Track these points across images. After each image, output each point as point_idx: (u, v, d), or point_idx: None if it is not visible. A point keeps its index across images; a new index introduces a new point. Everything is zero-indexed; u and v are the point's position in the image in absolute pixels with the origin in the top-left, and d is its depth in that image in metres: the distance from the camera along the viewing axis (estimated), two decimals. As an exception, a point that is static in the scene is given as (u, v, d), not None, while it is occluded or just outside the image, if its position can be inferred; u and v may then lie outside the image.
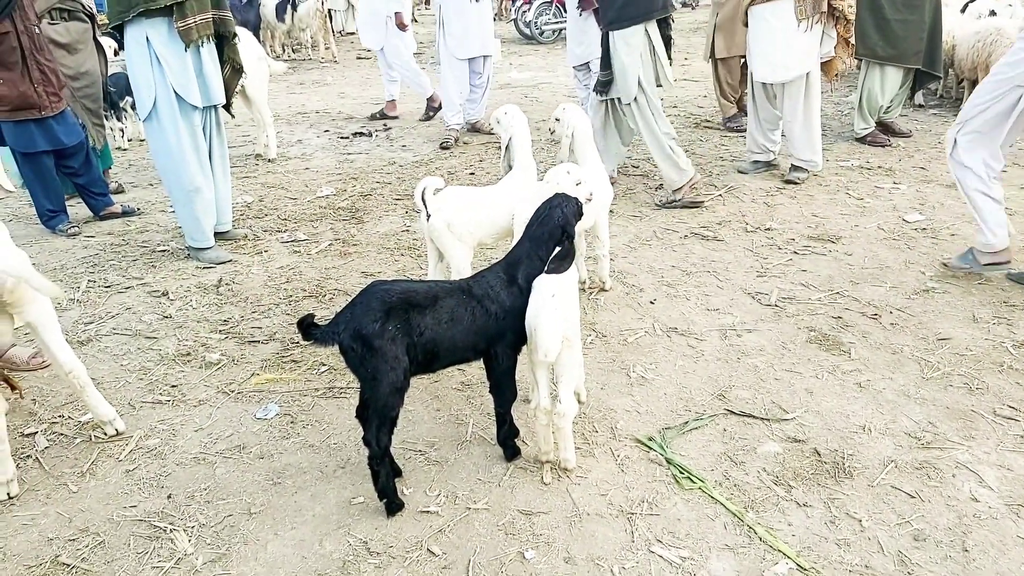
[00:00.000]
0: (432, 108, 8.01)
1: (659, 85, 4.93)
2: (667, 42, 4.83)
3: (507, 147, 3.57)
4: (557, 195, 2.62)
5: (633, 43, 4.68)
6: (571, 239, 2.52)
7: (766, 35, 5.08)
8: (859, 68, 6.33)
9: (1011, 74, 3.47)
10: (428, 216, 3.25)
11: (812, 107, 5.22)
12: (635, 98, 4.82)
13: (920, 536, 2.26)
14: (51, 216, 5.08)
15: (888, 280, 3.89)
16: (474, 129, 7.38)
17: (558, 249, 2.51)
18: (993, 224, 3.68)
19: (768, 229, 4.63)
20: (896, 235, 4.45)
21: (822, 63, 5.24)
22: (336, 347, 2.26)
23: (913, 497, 2.41)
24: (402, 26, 7.45)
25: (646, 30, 4.70)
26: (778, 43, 5.02)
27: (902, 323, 3.46)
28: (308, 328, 2.24)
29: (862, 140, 6.33)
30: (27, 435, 2.91)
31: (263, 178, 6.23)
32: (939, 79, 6.84)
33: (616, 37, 4.71)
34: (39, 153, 4.82)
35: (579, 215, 2.61)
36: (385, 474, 2.35)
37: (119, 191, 5.95)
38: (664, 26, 4.80)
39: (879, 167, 5.71)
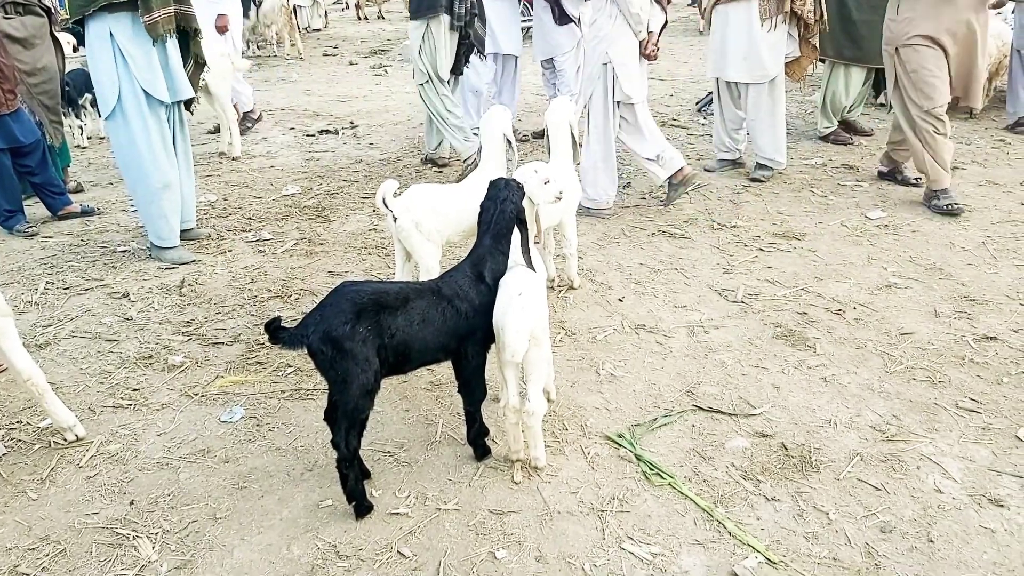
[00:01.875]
0: (250, 120, 7.59)
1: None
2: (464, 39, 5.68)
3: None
4: (500, 186, 2.55)
5: (414, 34, 5.60)
6: (524, 225, 2.50)
7: (736, 35, 5.11)
8: (823, 68, 6.42)
9: None
10: (395, 218, 3.23)
11: (777, 106, 5.28)
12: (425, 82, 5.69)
13: (886, 528, 2.29)
14: (8, 216, 4.95)
15: (852, 276, 3.95)
16: None
17: (516, 239, 2.50)
18: None
19: (734, 227, 4.67)
20: (859, 232, 4.52)
21: (787, 63, 5.30)
22: (304, 349, 2.23)
23: (879, 489, 2.45)
24: (222, 30, 6.95)
25: (428, 24, 5.49)
26: (752, 43, 5.06)
27: (866, 318, 3.51)
28: (276, 330, 2.20)
29: (825, 139, 6.42)
30: (-17, 442, 2.83)
31: (227, 176, 6.14)
32: None
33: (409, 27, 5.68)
34: None
35: (523, 197, 2.56)
36: (354, 477, 2.32)
37: (78, 190, 5.82)
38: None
39: (842, 165, 5.80)
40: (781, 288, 3.85)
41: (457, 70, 5.86)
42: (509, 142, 3.59)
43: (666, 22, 4.71)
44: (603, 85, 4.62)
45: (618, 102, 4.66)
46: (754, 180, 5.47)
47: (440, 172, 6.02)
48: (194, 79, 4.43)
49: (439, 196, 3.39)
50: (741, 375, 3.11)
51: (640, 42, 4.58)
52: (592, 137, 4.78)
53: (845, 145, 6.29)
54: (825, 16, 5.20)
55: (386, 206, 3.18)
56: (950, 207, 4.65)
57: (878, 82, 6.52)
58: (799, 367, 3.15)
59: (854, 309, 3.60)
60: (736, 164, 5.76)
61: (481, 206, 2.57)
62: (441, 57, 5.57)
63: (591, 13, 4.77)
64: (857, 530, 2.29)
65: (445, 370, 3.09)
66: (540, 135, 5.63)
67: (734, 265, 4.13)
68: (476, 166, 4.94)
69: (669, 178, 4.80)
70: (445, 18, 5.47)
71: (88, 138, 7.30)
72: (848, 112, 6.46)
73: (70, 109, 6.78)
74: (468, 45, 5.77)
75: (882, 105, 7.53)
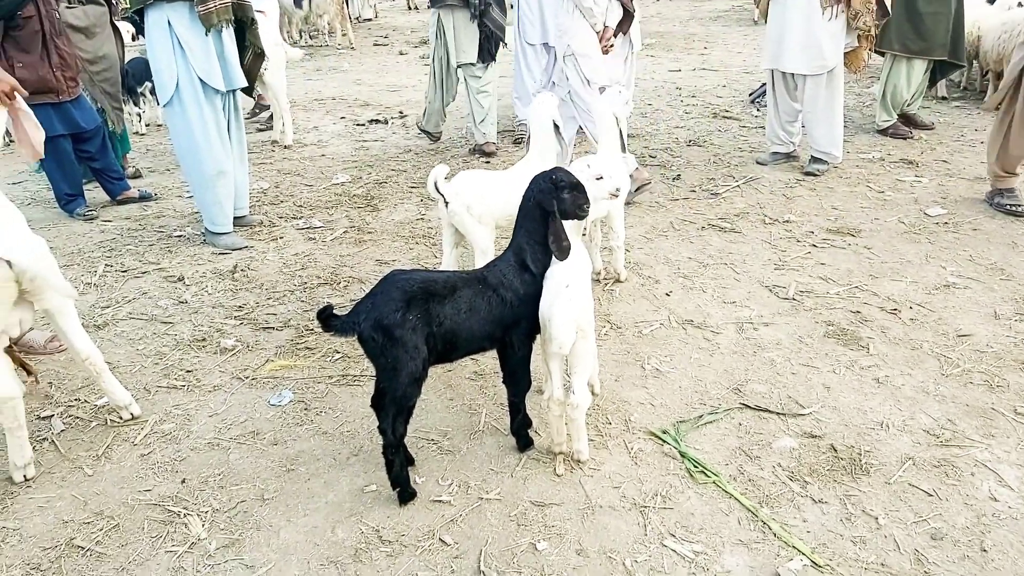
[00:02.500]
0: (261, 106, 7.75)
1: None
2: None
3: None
4: (537, 178, 2.51)
5: (431, 24, 5.95)
6: (552, 216, 2.43)
7: (795, 25, 5.00)
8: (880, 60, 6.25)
9: None
10: (447, 203, 3.25)
11: (835, 99, 5.16)
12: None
13: (937, 535, 2.23)
14: (69, 200, 5.11)
15: (908, 275, 3.84)
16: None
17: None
18: None
19: (787, 221, 4.58)
20: (917, 229, 4.39)
21: (844, 54, 5.17)
22: (355, 336, 2.26)
23: (931, 495, 2.38)
24: None
25: (439, 15, 5.91)
26: (812, 32, 4.95)
27: (922, 318, 3.42)
28: (328, 318, 2.23)
29: (884, 132, 6.25)
30: (43, 418, 2.93)
31: (279, 164, 6.24)
32: (961, 68, 6.73)
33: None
34: (57, 137, 4.84)
35: (556, 188, 2.45)
36: (399, 463, 2.35)
37: (136, 176, 5.98)
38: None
39: (901, 160, 5.64)
40: (834, 285, 3.76)
41: (483, 58, 5.97)
42: (557, 128, 3.57)
43: (631, 19, 4.96)
44: (576, 74, 4.89)
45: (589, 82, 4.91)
46: (808, 174, 5.35)
47: (487, 162, 6.03)
48: (254, 69, 4.51)
49: (488, 182, 3.41)
50: (791, 374, 3.05)
51: (598, 33, 4.84)
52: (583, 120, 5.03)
53: (904, 139, 6.10)
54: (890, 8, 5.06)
55: (438, 190, 3.20)
56: (1013, 207, 4.49)
57: (934, 73, 6.34)
58: (851, 367, 3.07)
59: (910, 309, 3.50)
60: (790, 157, 5.64)
61: (522, 196, 2.56)
62: (454, 47, 5.91)
63: (553, 8, 5.36)
64: (907, 536, 2.23)
65: (489, 360, 3.10)
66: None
67: (786, 261, 4.05)
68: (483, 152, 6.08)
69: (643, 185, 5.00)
70: (461, 10, 5.80)
71: (147, 125, 7.49)
72: (908, 105, 6.27)
73: (129, 97, 6.96)
74: (489, 33, 5.85)
75: (943, 98, 7.32)
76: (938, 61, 6.03)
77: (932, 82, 6.65)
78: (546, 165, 3.46)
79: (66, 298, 2.65)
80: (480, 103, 6.07)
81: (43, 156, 3.22)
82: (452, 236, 3.50)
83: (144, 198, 5.42)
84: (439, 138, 6.66)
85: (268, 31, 6.07)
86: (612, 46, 4.97)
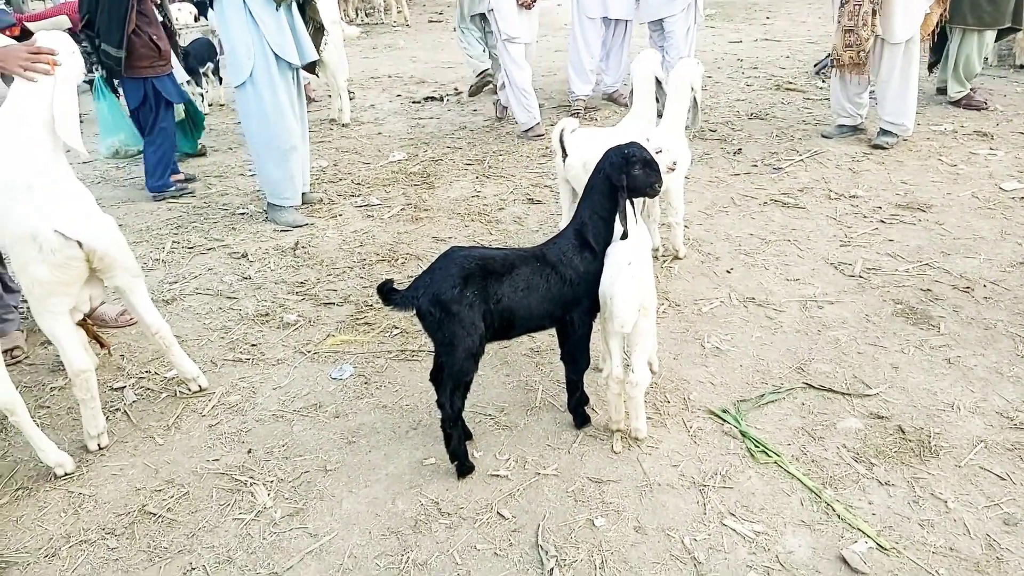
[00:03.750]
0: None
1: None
2: None
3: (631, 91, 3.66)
4: (607, 154, 2.47)
5: None
6: (621, 191, 2.39)
7: None
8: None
9: None
10: (565, 156, 3.24)
11: (911, 68, 4.96)
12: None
13: (1011, 520, 2.15)
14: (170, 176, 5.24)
15: (982, 251, 3.69)
16: (611, 99, 6.86)
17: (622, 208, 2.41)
18: None
19: (853, 196, 4.44)
20: (991, 204, 4.21)
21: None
22: (413, 311, 2.28)
23: (1003, 479, 2.30)
24: None
25: None
26: (902, 1, 4.75)
27: (996, 297, 3.28)
28: (388, 293, 2.26)
29: (956, 103, 5.99)
30: (116, 389, 3.05)
31: (337, 143, 6.31)
32: (1019, 31, 6.36)
33: None
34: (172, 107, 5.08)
35: (627, 163, 2.40)
36: (457, 437, 2.37)
37: (202, 154, 6.13)
38: None
39: (974, 132, 5.40)
40: (903, 263, 3.64)
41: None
42: (659, 83, 3.57)
43: None
44: (496, 30, 5.78)
45: (505, 40, 5.75)
46: (876, 147, 5.17)
47: (539, 137, 5.98)
48: (315, 43, 4.57)
49: (602, 138, 3.40)
50: (856, 353, 2.97)
51: None
52: (510, 70, 5.86)
53: (979, 111, 5.84)
54: None
55: (561, 142, 3.20)
56: None
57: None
58: (920, 347, 2.97)
59: (984, 287, 3.37)
60: (856, 130, 5.46)
61: (592, 171, 2.53)
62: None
63: None
64: (977, 520, 2.16)
65: (546, 337, 3.10)
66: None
67: (852, 237, 3.93)
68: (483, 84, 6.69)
69: (529, 129, 5.94)
70: None
71: (209, 105, 7.63)
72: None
73: (192, 78, 7.11)
74: None
75: (1021, 67, 6.97)
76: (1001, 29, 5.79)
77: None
78: (647, 123, 3.51)
79: (134, 278, 2.73)
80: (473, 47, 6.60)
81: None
82: (570, 193, 3.51)
83: (188, 180, 5.44)
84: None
85: (327, 8, 6.12)
86: (533, 2, 5.78)
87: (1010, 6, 5.60)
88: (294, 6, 4.27)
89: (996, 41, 6.27)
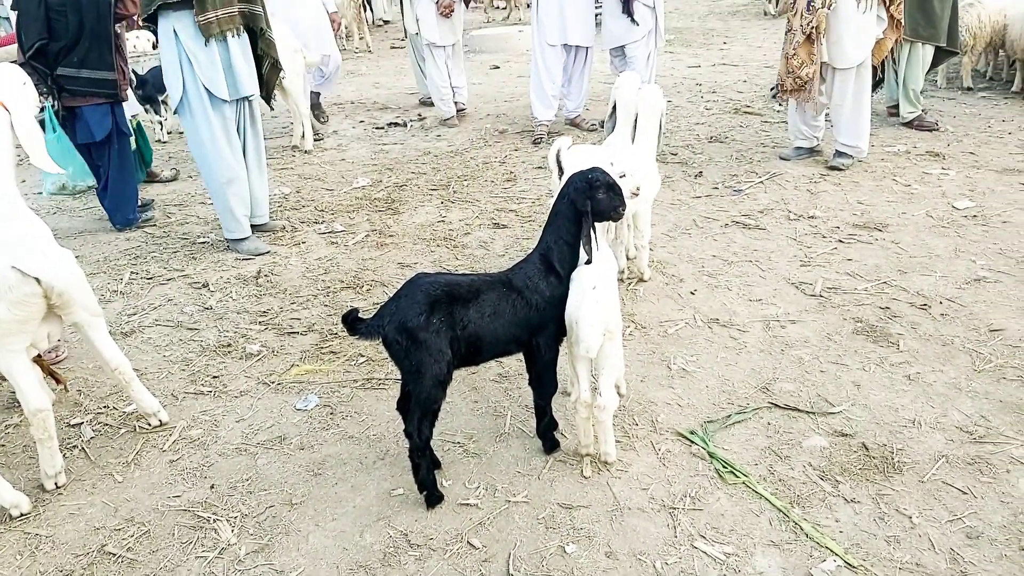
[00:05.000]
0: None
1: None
2: None
3: (611, 111, 3.77)
4: (571, 179, 2.49)
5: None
6: (585, 216, 2.40)
7: (836, 22, 4.94)
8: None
9: None
10: (561, 173, 3.26)
11: (863, 92, 5.10)
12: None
13: (973, 533, 2.19)
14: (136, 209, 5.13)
15: (937, 269, 3.78)
16: (573, 124, 6.89)
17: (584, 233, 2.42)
18: None
19: (812, 217, 4.53)
20: (945, 222, 4.32)
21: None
22: (379, 340, 2.26)
23: (965, 493, 2.34)
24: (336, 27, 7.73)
25: None
26: (841, 27, 4.90)
27: (952, 313, 3.36)
28: (353, 321, 2.24)
29: (909, 125, 6.16)
30: (73, 425, 2.96)
31: (300, 169, 6.27)
32: (956, 56, 6.57)
33: None
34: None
35: (591, 188, 2.41)
36: (426, 466, 2.34)
37: (174, 179, 6.14)
38: None
39: (927, 152, 5.56)
40: (862, 281, 3.71)
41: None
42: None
43: None
44: (420, 34, 6.81)
45: (427, 45, 6.86)
46: (833, 168, 5.29)
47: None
48: (271, 79, 4.50)
49: (595, 157, 3.41)
50: (819, 372, 3.01)
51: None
52: (430, 69, 6.97)
53: (930, 131, 6.02)
54: None
55: (558, 161, 3.22)
56: None
57: (934, 62, 6.25)
58: (881, 364, 3.03)
59: (940, 304, 3.45)
60: (813, 152, 5.58)
61: (556, 196, 2.54)
62: (412, 20, 7.07)
63: (575, 7, 6.24)
64: (942, 535, 2.19)
65: (514, 362, 3.09)
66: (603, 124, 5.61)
67: (812, 257, 4.01)
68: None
69: (447, 119, 7.10)
70: None
71: (168, 133, 7.54)
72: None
73: (150, 106, 7.02)
74: None
75: (969, 89, 7.21)
76: (936, 49, 6.00)
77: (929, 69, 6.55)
78: (630, 142, 3.64)
79: (93, 316, 2.67)
80: (434, 70, 7.19)
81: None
82: None
83: (144, 207, 5.30)
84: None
85: (286, 36, 6.11)
86: (452, 9, 6.70)
87: (944, 24, 5.83)
88: (235, 40, 4.17)
89: (935, 66, 6.48)
